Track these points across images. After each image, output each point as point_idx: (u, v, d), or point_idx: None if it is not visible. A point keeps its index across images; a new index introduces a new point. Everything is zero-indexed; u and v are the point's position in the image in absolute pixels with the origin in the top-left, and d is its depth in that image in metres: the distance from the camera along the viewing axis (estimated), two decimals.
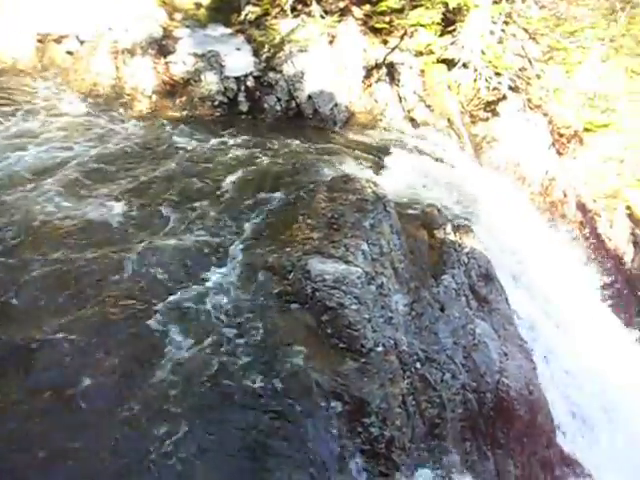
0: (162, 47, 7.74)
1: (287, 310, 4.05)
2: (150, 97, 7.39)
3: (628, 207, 10.05)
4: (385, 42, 8.19)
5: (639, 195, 10.39)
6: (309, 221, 4.83)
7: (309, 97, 7.50)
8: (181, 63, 7.58)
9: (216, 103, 7.44)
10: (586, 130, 8.92)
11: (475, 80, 8.25)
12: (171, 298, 3.98)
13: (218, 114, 7.45)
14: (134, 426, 3.06)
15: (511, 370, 4.46)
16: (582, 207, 9.25)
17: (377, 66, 7.96)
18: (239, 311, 4.07)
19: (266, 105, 7.52)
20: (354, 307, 3.93)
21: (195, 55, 7.66)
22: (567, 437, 5.82)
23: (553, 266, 7.12)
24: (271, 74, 7.60)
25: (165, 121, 6.97)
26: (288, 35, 7.58)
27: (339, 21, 7.84)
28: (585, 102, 8.82)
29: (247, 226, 5.02)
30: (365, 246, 4.54)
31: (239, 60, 7.81)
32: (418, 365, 4.05)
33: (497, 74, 8.16)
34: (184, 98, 7.39)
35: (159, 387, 3.31)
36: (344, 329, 3.84)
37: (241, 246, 4.71)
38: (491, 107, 8.26)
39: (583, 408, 6.32)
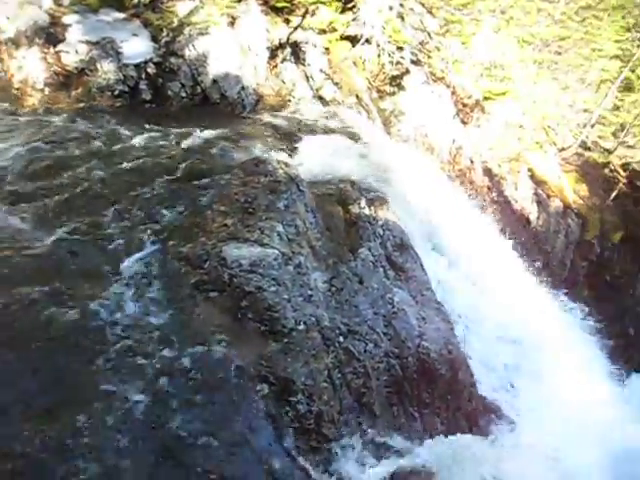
0: (50, 35, 7.20)
1: (206, 299, 3.99)
2: (42, 90, 6.90)
3: (530, 169, 10.70)
4: (287, 21, 8.11)
5: (539, 157, 11.09)
6: (222, 207, 4.76)
7: (214, 81, 7.31)
8: (73, 52, 7.11)
9: (116, 93, 7.07)
10: (486, 99, 9.36)
11: (379, 55, 8.39)
12: (85, 294, 3.79)
13: (119, 104, 7.09)
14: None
15: (430, 333, 4.67)
16: (488, 172, 9.74)
17: (281, 46, 7.89)
18: (156, 305, 3.96)
19: (170, 92, 7.25)
20: (272, 289, 3.95)
21: (88, 43, 7.21)
22: (489, 388, 6.22)
23: (466, 230, 7.46)
24: (172, 59, 7.32)
25: (61, 115, 6.53)
26: (187, 17, 7.31)
27: (239, 1, 7.66)
28: (483, 72, 9.24)
29: (158, 218, 4.85)
30: (280, 227, 4.54)
31: (137, 46, 7.44)
32: (341, 339, 4.14)
33: (399, 48, 8.34)
34: (80, 89, 6.96)
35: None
36: (264, 312, 3.85)
37: (153, 239, 4.55)
38: (396, 81, 8.45)
39: (503, 360, 6.77)
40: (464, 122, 9.58)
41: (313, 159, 6.35)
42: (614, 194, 12.00)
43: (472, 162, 9.20)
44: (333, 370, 3.93)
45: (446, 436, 4.63)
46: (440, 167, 8.47)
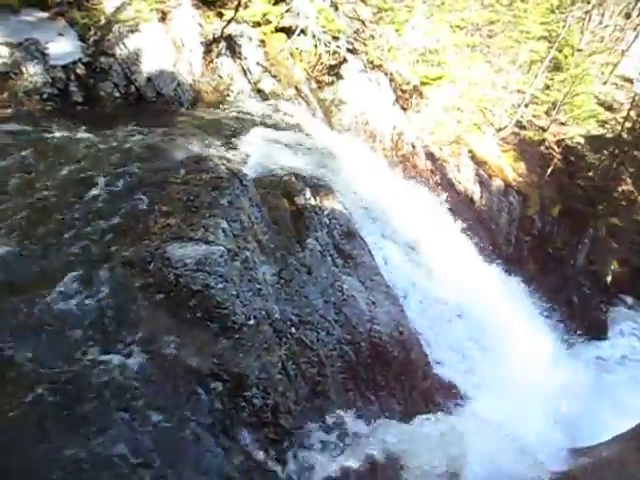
0: None
1: (153, 302, 3.91)
2: None
3: (470, 151, 11.03)
4: (220, 15, 7.97)
5: (478, 139, 11.44)
6: (164, 208, 4.66)
7: (149, 79, 7.11)
8: None
9: (45, 96, 6.77)
10: (423, 84, 9.55)
11: (315, 46, 8.40)
12: (24, 308, 3.64)
13: (50, 108, 6.78)
14: None
15: (381, 317, 4.76)
16: (431, 156, 9.97)
17: (215, 40, 7.75)
18: (102, 312, 3.85)
19: (103, 93, 7.01)
20: (220, 286, 3.91)
21: (10, 45, 6.85)
22: (444, 366, 6.40)
23: (413, 214, 7.61)
24: (103, 59, 7.06)
25: None
26: (114, 15, 7.07)
27: None
28: (418, 58, 9.41)
29: (98, 224, 4.69)
30: (225, 224, 4.50)
31: (64, 46, 7.14)
32: (293, 330, 4.16)
33: (335, 38, 8.38)
34: (5, 94, 6.62)
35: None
36: (213, 309, 3.81)
37: (94, 245, 4.41)
38: (334, 71, 8.50)
39: (455, 338, 6.96)
40: (404, 108, 9.76)
41: (255, 153, 6.30)
42: (550, 170, 12.55)
43: (414, 147, 9.38)
44: (287, 361, 3.94)
45: (404, 416, 4.74)
46: (383, 153, 8.60)
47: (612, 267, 13.57)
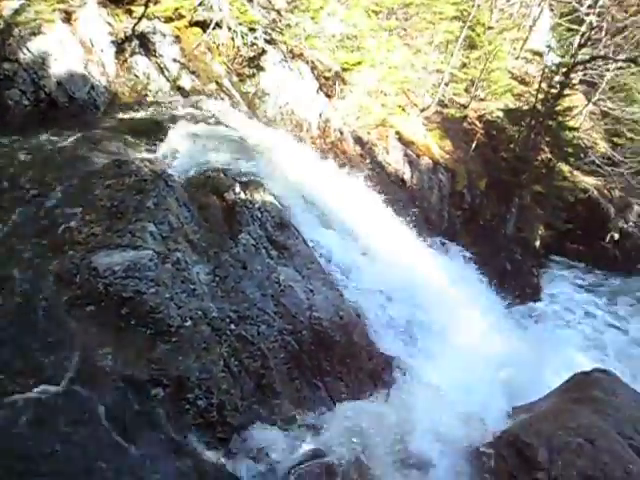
0: None
1: (83, 315, 3.79)
2: None
3: (397, 132, 11.25)
4: (130, 12, 7.68)
5: (404, 120, 11.70)
6: (87, 216, 4.50)
7: (59, 84, 6.76)
8: None
9: None
10: (345, 70, 9.64)
11: (232, 39, 8.27)
12: None
13: None
14: None
15: (320, 304, 4.82)
16: (359, 140, 10.10)
17: (128, 39, 7.46)
18: (30, 332, 3.69)
19: (10, 101, 6.59)
20: (152, 291, 3.84)
21: None
22: (388, 344, 6.55)
23: (346, 198, 7.69)
24: (6, 65, 6.64)
25: None
26: (13, 17, 6.64)
27: None
28: (337, 44, 9.48)
29: (18, 239, 4.47)
30: (152, 227, 4.41)
31: None
32: (232, 326, 4.14)
33: (251, 30, 8.28)
34: None
35: None
36: (147, 315, 3.74)
37: (16, 262, 4.20)
38: (254, 63, 8.41)
39: (397, 315, 7.13)
40: (328, 95, 9.81)
41: (179, 152, 6.16)
42: (474, 145, 13.01)
43: (342, 133, 9.47)
44: (229, 358, 3.93)
45: (353, 398, 4.84)
46: (311, 142, 8.63)
47: (539, 232, 14.31)
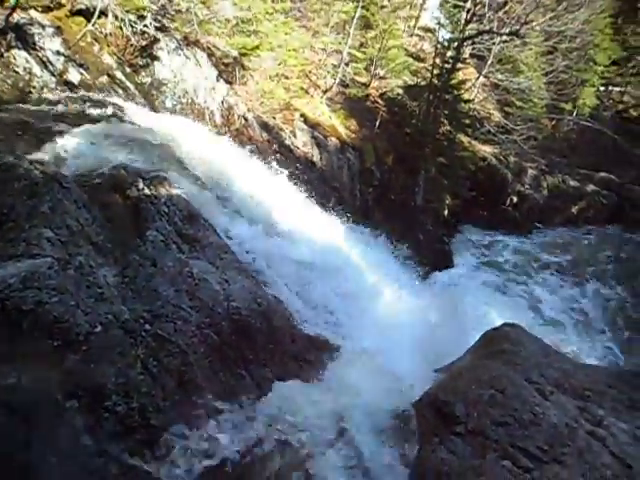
0: None
1: None
2: None
3: (302, 115, 11.29)
4: (1, 2, 7.06)
5: (306, 102, 11.75)
6: None
7: None
8: None
9: None
10: (243, 55, 9.48)
11: (120, 28, 7.86)
12: None
13: None
14: None
15: (236, 293, 4.78)
16: (265, 126, 10.02)
17: (2, 32, 6.86)
18: None
19: None
20: (55, 299, 3.62)
21: None
22: (312, 325, 6.64)
23: (256, 184, 7.63)
24: None
25: None
26: None
27: None
28: (233, 29, 9.29)
29: None
30: (49, 232, 4.14)
31: None
32: (147, 327, 4.01)
33: (140, 17, 7.91)
34: None
35: None
36: (52, 326, 3.53)
37: None
38: (147, 52, 8.05)
39: (318, 295, 7.23)
40: (229, 82, 9.62)
41: (73, 151, 5.80)
42: (378, 122, 13.35)
43: (246, 119, 9.35)
44: (146, 360, 3.81)
45: (279, 382, 4.87)
46: (216, 130, 8.44)
47: (446, 201, 15.02)
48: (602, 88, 21.39)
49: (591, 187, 17.37)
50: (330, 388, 5.31)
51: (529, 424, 3.97)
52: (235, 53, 9.33)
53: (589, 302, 12.94)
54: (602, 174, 18.06)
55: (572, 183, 17.10)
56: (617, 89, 23.06)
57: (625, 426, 4.30)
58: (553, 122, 19.56)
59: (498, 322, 6.72)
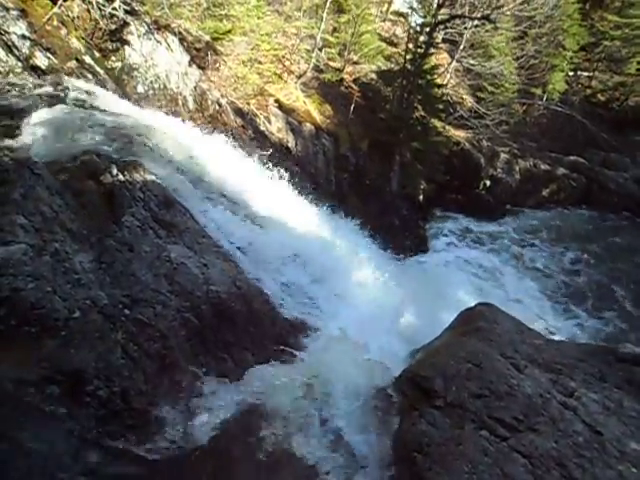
0: None
1: None
2: None
3: (276, 101, 11.21)
4: None
5: (281, 88, 11.67)
6: None
7: None
8: None
9: None
10: (215, 39, 9.35)
11: (88, 11, 7.66)
12: None
13: None
14: None
15: (215, 277, 4.78)
16: (239, 112, 9.93)
17: None
18: None
19: None
20: (31, 286, 3.58)
21: None
22: (291, 308, 6.69)
23: (232, 170, 7.59)
24: None
25: None
26: None
27: None
28: (204, 13, 9.15)
29: None
30: (23, 219, 4.07)
31: None
32: (127, 311, 3.99)
33: (109, 0, 7.71)
34: None
35: None
36: (29, 312, 3.49)
37: None
38: (117, 36, 7.87)
39: (298, 279, 7.28)
40: (202, 67, 9.49)
41: (45, 137, 5.67)
42: (353, 107, 13.34)
43: (220, 105, 9.24)
44: (127, 344, 3.80)
45: (260, 364, 4.91)
46: (189, 116, 8.34)
47: (421, 186, 15.14)
48: (571, 73, 21.73)
49: (561, 170, 17.70)
50: (310, 369, 5.38)
51: (505, 396, 4.10)
52: (207, 38, 9.19)
53: (560, 281, 13.28)
54: (572, 157, 18.42)
55: (543, 167, 17.39)
56: (585, 74, 23.48)
57: (596, 397, 4.47)
58: (524, 107, 19.82)
59: (473, 302, 6.89)
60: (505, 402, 4.05)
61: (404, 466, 3.79)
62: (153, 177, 5.57)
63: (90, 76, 7.27)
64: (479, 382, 4.27)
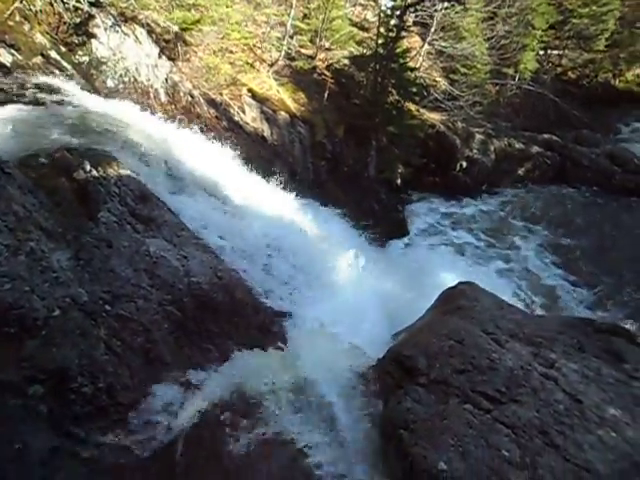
0: None
1: None
2: None
3: (250, 90, 11.11)
4: None
5: (254, 77, 11.57)
6: None
7: None
8: None
9: None
10: (184, 30, 9.21)
11: (51, 4, 7.47)
12: None
13: None
14: None
15: (196, 268, 4.76)
16: (212, 102, 9.83)
17: None
18: None
19: None
20: (8, 286, 3.53)
21: None
22: (274, 297, 6.71)
23: (207, 162, 7.53)
24: None
25: None
26: None
27: None
28: (171, 3, 9.00)
29: None
30: None
31: None
32: (108, 307, 3.97)
33: None
34: None
35: None
36: (7, 313, 3.44)
37: None
38: (82, 30, 7.70)
39: (279, 269, 7.29)
40: (172, 58, 9.35)
41: (12, 137, 5.56)
42: (327, 94, 13.29)
43: (192, 96, 9.14)
44: (110, 340, 3.78)
45: (244, 353, 4.93)
46: (162, 109, 8.23)
47: (399, 170, 15.19)
48: (541, 52, 21.95)
49: (535, 149, 17.90)
50: (294, 355, 5.42)
51: (487, 370, 4.19)
52: (176, 28, 9.05)
53: (537, 257, 13.52)
54: (545, 135, 18.64)
55: (517, 146, 17.57)
56: (555, 52, 23.74)
57: (575, 366, 4.60)
58: (497, 87, 19.98)
59: (451, 282, 6.98)
60: (487, 376, 4.14)
61: (391, 444, 3.86)
62: (128, 171, 5.51)
63: (57, 72, 7.11)
64: (461, 358, 4.35)
